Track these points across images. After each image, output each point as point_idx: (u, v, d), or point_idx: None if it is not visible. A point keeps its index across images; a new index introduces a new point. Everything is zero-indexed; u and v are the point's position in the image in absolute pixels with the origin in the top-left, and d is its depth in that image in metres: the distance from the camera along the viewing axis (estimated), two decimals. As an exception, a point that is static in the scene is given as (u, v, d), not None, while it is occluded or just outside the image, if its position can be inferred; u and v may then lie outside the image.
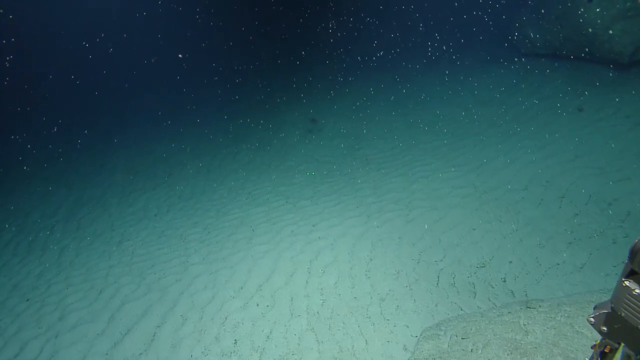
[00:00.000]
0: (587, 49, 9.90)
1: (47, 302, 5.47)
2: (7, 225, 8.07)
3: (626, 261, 1.41)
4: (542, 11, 11.28)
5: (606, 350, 1.57)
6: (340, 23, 18.56)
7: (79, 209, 8.32)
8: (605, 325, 1.53)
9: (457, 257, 5.39)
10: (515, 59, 12.45)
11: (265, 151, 9.71)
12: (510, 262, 5.17)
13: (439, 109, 10.43)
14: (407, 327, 4.51)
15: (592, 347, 1.65)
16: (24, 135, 13.83)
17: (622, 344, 1.52)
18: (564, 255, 5.08)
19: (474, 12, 16.09)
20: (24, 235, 7.51)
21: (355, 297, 4.99)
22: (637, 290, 1.37)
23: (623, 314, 1.44)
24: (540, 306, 3.86)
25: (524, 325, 3.62)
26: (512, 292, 4.77)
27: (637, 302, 1.38)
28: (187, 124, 12.54)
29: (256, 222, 6.71)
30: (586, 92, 8.97)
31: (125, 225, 7.32)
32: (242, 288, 5.34)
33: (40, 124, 14.58)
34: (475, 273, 5.13)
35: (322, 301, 4.98)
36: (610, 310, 1.50)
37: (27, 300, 5.58)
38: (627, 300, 1.41)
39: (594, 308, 1.59)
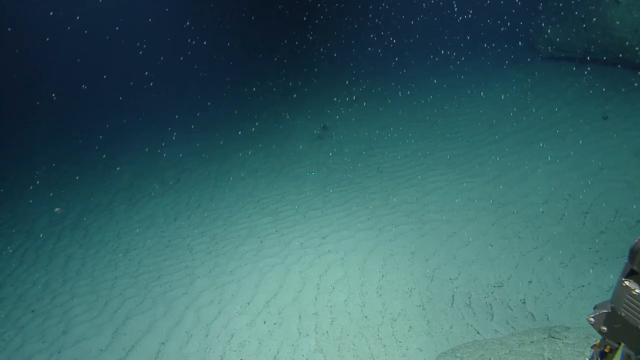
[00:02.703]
0: (613, 53, 9.46)
1: (51, 314, 5.39)
2: (14, 232, 8.06)
3: (626, 261, 1.42)
4: (566, 12, 10.86)
5: (606, 350, 1.58)
6: (351, 25, 18.32)
7: (87, 215, 8.27)
8: (605, 325, 1.54)
9: (473, 275, 5.14)
10: (535, 62, 12.05)
11: (274, 157, 9.54)
12: (530, 282, 4.90)
13: (453, 114, 10.14)
14: (421, 350, 4.29)
15: (592, 347, 1.66)
16: (30, 138, 13.94)
17: (622, 344, 1.53)
18: (589, 276, 4.79)
19: (491, 12, 15.69)
20: (32, 242, 7.48)
21: (366, 316, 4.79)
22: (637, 290, 1.37)
23: (623, 314, 1.44)
24: (565, 337, 3.60)
25: (549, 359, 3.37)
26: (532, 315, 4.50)
27: (637, 302, 1.38)
28: (196, 127, 12.45)
29: (264, 233, 6.54)
30: (612, 99, 8.56)
31: (132, 233, 7.23)
32: (249, 304, 5.18)
33: (47, 127, 14.69)
34: (492, 293, 4.87)
35: (331, 320, 4.79)
36: (610, 310, 1.51)
37: (32, 311, 5.51)
38: (627, 300, 1.41)
39: (594, 308, 1.61)
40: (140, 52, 17.42)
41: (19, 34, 20.70)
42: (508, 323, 4.44)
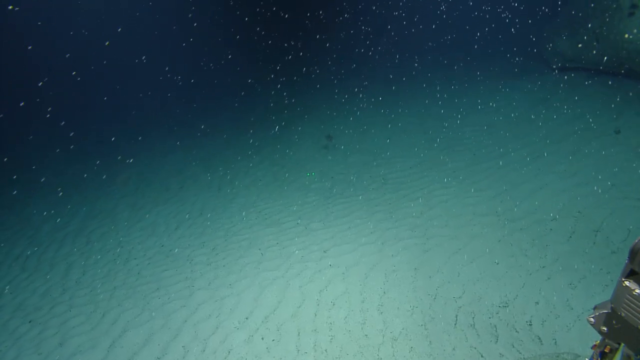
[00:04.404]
0: (626, 65, 9.24)
1: (49, 324, 5.35)
2: (19, 237, 8.09)
3: (626, 261, 1.41)
4: (577, 23, 10.69)
5: (606, 350, 1.58)
6: (354, 33, 18.29)
7: (90, 221, 8.28)
8: (605, 325, 1.55)
9: (478, 294, 4.99)
10: (545, 73, 11.85)
11: (278, 166, 9.48)
12: (537, 303, 4.73)
13: (460, 125, 9.99)
14: (422, 373, 4.15)
15: (592, 347, 1.65)
16: (36, 141, 14.07)
17: (622, 344, 1.53)
18: (600, 298, 4.60)
19: (502, 23, 15.54)
20: (34, 249, 7.49)
21: (366, 335, 4.66)
22: (637, 290, 1.37)
23: (623, 314, 1.45)
24: (574, 367, 3.44)
25: (556, 391, 3.21)
26: (539, 338, 4.34)
27: (637, 302, 1.38)
28: (200, 133, 12.47)
29: (265, 245, 6.46)
30: (624, 113, 8.34)
31: (133, 242, 7.20)
32: (247, 318, 5.08)
33: (52, 130, 14.80)
34: (497, 313, 4.72)
35: (330, 337, 4.67)
36: (610, 310, 1.52)
37: (30, 322, 5.47)
38: (627, 300, 1.41)
39: (594, 308, 1.62)
40: (143, 57, 17.53)
41: (20, 34, 20.94)
42: (513, 346, 4.28)
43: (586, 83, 10.44)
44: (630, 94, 8.99)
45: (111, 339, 4.97)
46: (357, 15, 19.06)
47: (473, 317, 4.68)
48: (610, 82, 9.86)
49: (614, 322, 1.52)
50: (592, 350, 1.65)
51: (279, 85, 15.54)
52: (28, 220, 8.87)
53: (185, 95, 16.68)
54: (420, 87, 13.28)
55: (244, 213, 7.63)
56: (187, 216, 7.87)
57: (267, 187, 8.59)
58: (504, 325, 4.54)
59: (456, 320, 4.68)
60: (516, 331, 4.45)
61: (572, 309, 4.57)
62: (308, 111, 12.75)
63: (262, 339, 4.76)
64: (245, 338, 4.79)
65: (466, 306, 4.83)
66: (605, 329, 1.56)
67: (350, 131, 10.80)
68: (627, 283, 1.41)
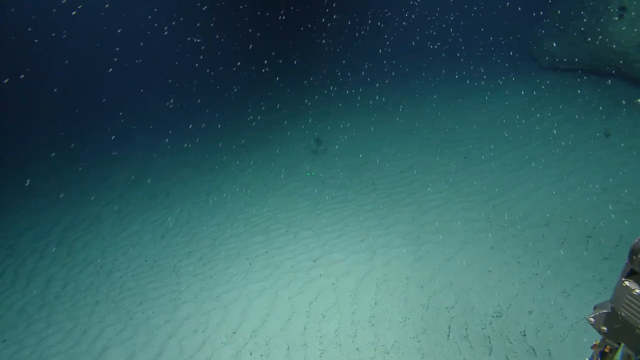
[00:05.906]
0: (616, 67, 9.25)
1: (25, 343, 5.10)
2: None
3: (626, 261, 1.40)
4: (567, 24, 10.68)
5: (606, 350, 1.57)
6: (348, 36, 18.15)
7: (73, 229, 7.99)
8: (605, 325, 1.54)
9: (471, 303, 4.88)
10: (535, 74, 11.84)
11: (267, 171, 9.28)
12: (530, 312, 4.65)
13: (450, 128, 9.90)
14: (415, 389, 4.03)
15: (592, 347, 1.64)
16: (28, 143, 13.73)
17: (622, 344, 1.52)
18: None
19: (491, 22, 15.53)
20: (13, 260, 7.18)
21: (358, 349, 4.53)
22: (637, 290, 1.37)
23: (623, 314, 1.44)
24: (569, 383, 3.34)
25: (552, 411, 3.10)
26: (533, 349, 4.25)
27: (637, 302, 1.37)
28: (190, 137, 12.20)
29: (254, 255, 6.28)
30: (614, 114, 8.34)
31: (117, 252, 6.95)
32: (234, 333, 4.91)
33: (44, 130, 14.46)
34: (490, 324, 4.62)
35: (320, 352, 4.53)
36: (610, 310, 1.51)
37: (4, 341, 5.21)
38: (627, 300, 1.41)
39: (594, 308, 1.61)
40: (138, 60, 17.23)
41: (20, 34, 20.43)
42: (507, 358, 4.19)
43: (576, 83, 10.44)
44: (620, 95, 9.00)
45: (91, 359, 4.75)
46: (354, 15, 18.94)
47: (466, 328, 4.58)
48: (599, 83, 9.88)
49: (614, 321, 1.50)
50: (592, 350, 1.63)
51: (267, 92, 15.30)
52: (9, 228, 8.55)
53: (185, 94, 16.38)
54: (411, 90, 13.19)
55: (232, 220, 7.44)
56: (174, 224, 7.64)
57: (256, 192, 8.40)
58: (498, 336, 4.44)
59: (449, 331, 4.57)
60: (510, 342, 4.36)
61: (566, 318, 4.49)
62: (298, 115, 12.58)
63: (251, 354, 4.59)
64: (233, 354, 4.62)
65: (459, 317, 4.73)
66: (605, 328, 1.54)
67: (341, 135, 10.65)
68: (627, 283, 1.40)
